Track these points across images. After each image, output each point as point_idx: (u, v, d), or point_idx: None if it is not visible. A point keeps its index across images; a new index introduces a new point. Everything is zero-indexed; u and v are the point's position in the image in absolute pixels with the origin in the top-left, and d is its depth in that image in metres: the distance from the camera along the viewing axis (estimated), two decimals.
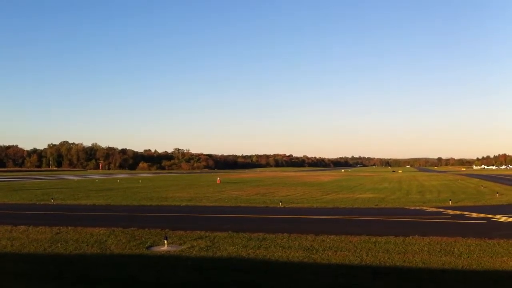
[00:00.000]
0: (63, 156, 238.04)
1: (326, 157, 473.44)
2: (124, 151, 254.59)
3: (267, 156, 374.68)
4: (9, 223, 18.61)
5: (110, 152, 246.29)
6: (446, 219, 20.53)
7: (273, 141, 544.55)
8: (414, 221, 20.06)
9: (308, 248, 13.16)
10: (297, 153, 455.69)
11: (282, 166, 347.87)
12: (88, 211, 25.56)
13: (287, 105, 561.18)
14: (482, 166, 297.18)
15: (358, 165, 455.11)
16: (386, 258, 11.83)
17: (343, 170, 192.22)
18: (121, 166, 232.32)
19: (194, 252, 12.86)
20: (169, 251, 13.05)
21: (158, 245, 13.93)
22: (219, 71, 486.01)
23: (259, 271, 10.80)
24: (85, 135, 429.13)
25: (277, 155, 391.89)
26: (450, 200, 29.69)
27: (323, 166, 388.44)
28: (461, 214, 22.30)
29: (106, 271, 10.86)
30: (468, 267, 10.92)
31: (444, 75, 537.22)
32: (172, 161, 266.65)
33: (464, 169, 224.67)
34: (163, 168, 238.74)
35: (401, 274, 10.47)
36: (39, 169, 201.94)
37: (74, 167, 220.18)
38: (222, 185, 56.17)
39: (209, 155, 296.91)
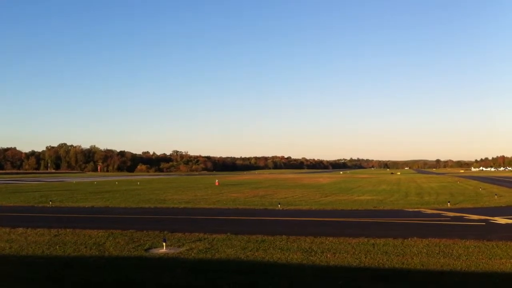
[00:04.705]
0: (62, 159, 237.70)
1: (325, 159, 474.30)
2: (122, 153, 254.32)
3: (265, 158, 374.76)
4: (7, 225, 18.58)
5: (108, 155, 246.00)
6: (445, 221, 20.53)
7: (272, 143, 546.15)
8: (413, 223, 20.07)
9: (307, 250, 13.15)
10: (296, 155, 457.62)
11: (281, 168, 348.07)
12: (87, 213, 25.51)
13: (286, 107, 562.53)
14: (481, 168, 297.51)
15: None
16: (384, 260, 11.83)
17: (341, 172, 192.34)
18: (120, 169, 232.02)
19: (192, 254, 12.84)
20: (168, 253, 13.03)
21: (156, 247, 13.90)
22: (217, 73, 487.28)
23: (258, 273, 10.78)
24: (83, 137, 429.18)
25: (276, 157, 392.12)
26: (449, 202, 29.69)
27: (322, 168, 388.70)
28: (460, 216, 22.30)
29: (104, 273, 10.83)
30: (466, 269, 10.92)
31: (443, 77, 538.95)
32: (171, 163, 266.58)
33: (463, 171, 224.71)
34: (161, 170, 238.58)
35: (400, 276, 10.48)
36: (37, 171, 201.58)
37: (73, 170, 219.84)
38: (221, 187, 56.15)
39: (208, 157, 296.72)
